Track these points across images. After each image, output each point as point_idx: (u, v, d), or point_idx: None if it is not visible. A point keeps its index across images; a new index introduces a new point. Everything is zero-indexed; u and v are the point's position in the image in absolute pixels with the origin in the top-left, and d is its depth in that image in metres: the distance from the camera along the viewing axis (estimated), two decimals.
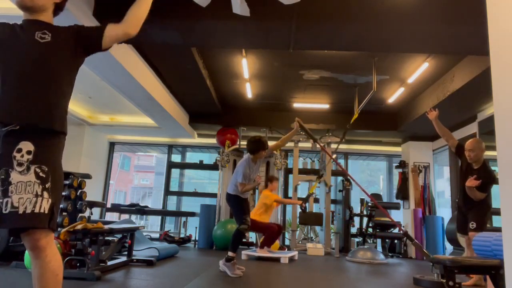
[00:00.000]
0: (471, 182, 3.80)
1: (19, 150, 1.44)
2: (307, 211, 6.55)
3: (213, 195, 8.47)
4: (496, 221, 5.69)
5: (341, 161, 9.35)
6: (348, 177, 7.49)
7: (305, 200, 6.43)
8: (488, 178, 3.85)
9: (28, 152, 1.45)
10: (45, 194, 1.44)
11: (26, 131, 1.46)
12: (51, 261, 1.46)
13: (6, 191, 1.40)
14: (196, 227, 7.45)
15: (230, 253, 3.95)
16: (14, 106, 1.49)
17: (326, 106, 7.57)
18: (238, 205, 4.20)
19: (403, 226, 7.81)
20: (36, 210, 1.40)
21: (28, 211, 1.39)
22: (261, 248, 5.63)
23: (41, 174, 1.45)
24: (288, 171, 8.51)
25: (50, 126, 1.50)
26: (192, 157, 10.16)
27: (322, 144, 5.48)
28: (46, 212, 1.43)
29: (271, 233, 5.64)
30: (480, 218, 3.82)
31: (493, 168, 4.03)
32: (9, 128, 1.45)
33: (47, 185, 1.45)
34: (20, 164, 1.43)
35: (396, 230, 7.47)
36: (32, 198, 1.40)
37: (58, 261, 1.50)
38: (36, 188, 1.42)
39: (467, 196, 3.90)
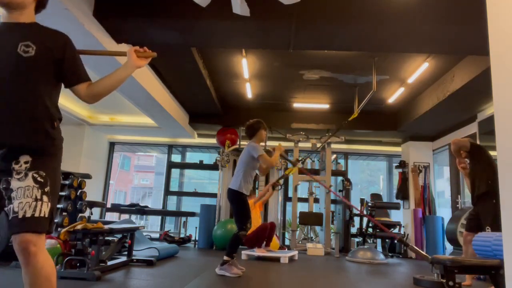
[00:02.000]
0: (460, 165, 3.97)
1: (18, 162, 1.44)
2: (281, 186, 6.45)
3: (213, 195, 8.46)
4: None
5: (341, 161, 9.35)
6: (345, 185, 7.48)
7: (277, 180, 6.44)
8: (475, 148, 3.95)
9: (26, 162, 1.44)
10: (45, 198, 1.43)
11: (22, 148, 1.45)
12: (43, 267, 1.39)
13: (10, 198, 1.41)
14: (196, 227, 7.45)
15: (225, 258, 3.88)
16: (2, 128, 1.44)
17: (326, 106, 7.57)
18: (243, 206, 3.98)
19: (403, 226, 7.82)
20: (36, 214, 1.38)
21: (28, 215, 1.37)
22: (259, 248, 5.62)
23: (39, 178, 1.44)
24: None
25: (37, 146, 1.47)
26: (192, 157, 10.16)
27: (304, 168, 5.54)
28: (47, 216, 1.41)
29: (264, 233, 5.63)
30: (496, 221, 3.77)
31: None
32: (3, 152, 1.44)
33: (46, 189, 1.44)
34: (18, 173, 1.43)
35: (396, 230, 7.47)
36: (32, 202, 1.39)
37: (51, 266, 1.43)
38: (35, 192, 1.41)
39: (479, 193, 3.88)
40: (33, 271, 1.37)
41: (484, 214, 3.81)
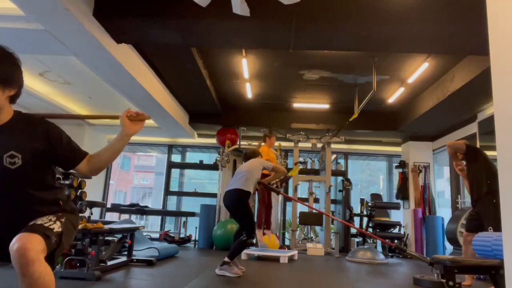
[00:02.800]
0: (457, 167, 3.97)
1: None
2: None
3: (213, 195, 8.46)
4: None
5: (341, 161, 9.35)
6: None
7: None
8: (471, 149, 3.94)
9: None
10: (58, 223, 1.49)
11: None
12: (41, 276, 1.31)
13: None
14: (196, 227, 7.45)
15: (226, 259, 3.86)
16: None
17: (326, 106, 7.57)
18: (249, 210, 3.91)
19: (403, 226, 7.82)
20: (46, 225, 1.44)
21: (38, 222, 1.43)
22: (259, 229, 5.61)
23: (57, 213, 1.54)
24: (288, 171, 8.51)
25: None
26: (192, 157, 10.16)
27: (285, 194, 5.61)
28: (54, 230, 1.44)
29: (260, 217, 5.62)
30: (497, 221, 3.76)
31: None
32: None
33: (61, 220, 1.52)
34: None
35: (396, 230, 7.47)
36: (46, 221, 1.46)
37: (49, 275, 1.36)
38: (51, 217, 1.49)
39: (479, 193, 3.88)
40: (31, 282, 1.29)
41: (484, 215, 3.80)
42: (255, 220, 5.60)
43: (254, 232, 3.84)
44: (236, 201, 3.91)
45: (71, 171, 4.86)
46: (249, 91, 6.80)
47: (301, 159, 7.58)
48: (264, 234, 5.72)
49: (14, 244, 1.30)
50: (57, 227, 1.45)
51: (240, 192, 3.88)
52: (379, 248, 7.20)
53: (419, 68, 5.54)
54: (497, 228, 3.65)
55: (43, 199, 1.52)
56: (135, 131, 1.61)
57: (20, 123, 1.50)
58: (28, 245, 1.30)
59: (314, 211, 6.58)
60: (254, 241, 3.86)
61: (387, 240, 7.34)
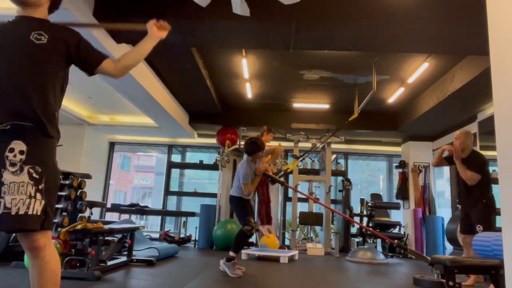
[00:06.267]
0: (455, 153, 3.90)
1: (11, 150, 1.41)
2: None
3: (213, 195, 8.46)
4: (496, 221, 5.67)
5: (341, 161, 9.35)
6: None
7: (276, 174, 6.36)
8: (477, 159, 3.91)
9: (21, 152, 1.42)
10: (38, 196, 1.41)
11: (17, 130, 1.44)
12: (50, 260, 1.46)
13: (0, 191, 1.38)
14: (196, 227, 7.45)
15: (231, 253, 3.92)
16: (2, 105, 1.46)
17: (326, 106, 7.58)
18: (241, 206, 4.15)
19: (403, 226, 7.82)
20: (30, 212, 1.38)
21: (21, 212, 1.37)
22: (262, 225, 5.65)
23: (34, 175, 1.42)
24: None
25: (39, 129, 1.48)
26: (192, 157, 10.16)
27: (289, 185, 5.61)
28: (39, 213, 1.40)
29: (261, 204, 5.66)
30: (486, 220, 3.77)
31: (493, 168, 4.02)
32: (6, 129, 1.43)
33: (40, 186, 1.42)
34: (13, 164, 1.40)
35: (396, 230, 7.47)
36: (26, 199, 1.38)
37: (57, 260, 1.50)
38: (29, 189, 1.39)
39: (467, 193, 3.89)
40: (41, 263, 1.43)
41: (473, 214, 3.85)
42: (257, 216, 5.68)
43: (248, 220, 4.00)
44: (231, 203, 4.29)
45: (70, 175, 4.87)
46: (249, 91, 6.80)
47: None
48: (269, 231, 5.76)
49: (21, 237, 1.43)
50: (38, 204, 1.41)
51: (233, 198, 4.21)
52: (379, 248, 7.20)
53: (419, 68, 5.54)
54: (486, 226, 3.69)
55: (48, 96, 1.53)
56: (162, 36, 1.92)
57: (54, 24, 1.63)
58: (35, 236, 1.42)
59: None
60: (250, 228, 3.93)
61: (390, 235, 7.35)
